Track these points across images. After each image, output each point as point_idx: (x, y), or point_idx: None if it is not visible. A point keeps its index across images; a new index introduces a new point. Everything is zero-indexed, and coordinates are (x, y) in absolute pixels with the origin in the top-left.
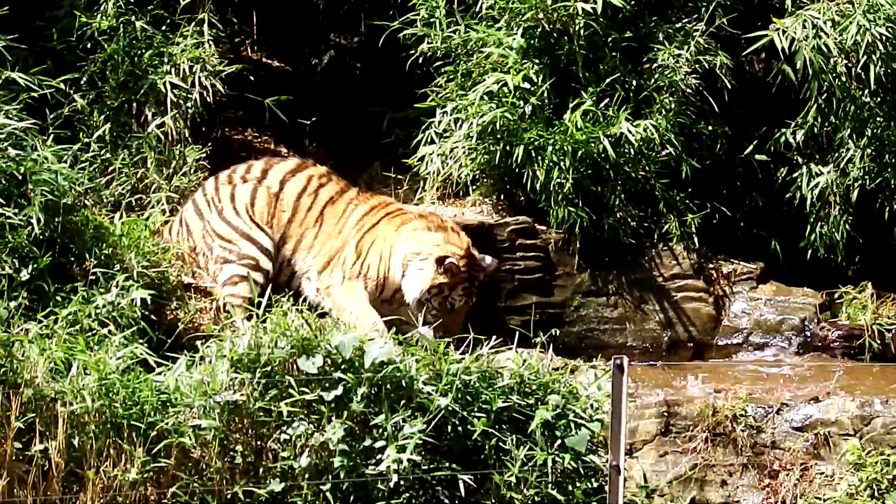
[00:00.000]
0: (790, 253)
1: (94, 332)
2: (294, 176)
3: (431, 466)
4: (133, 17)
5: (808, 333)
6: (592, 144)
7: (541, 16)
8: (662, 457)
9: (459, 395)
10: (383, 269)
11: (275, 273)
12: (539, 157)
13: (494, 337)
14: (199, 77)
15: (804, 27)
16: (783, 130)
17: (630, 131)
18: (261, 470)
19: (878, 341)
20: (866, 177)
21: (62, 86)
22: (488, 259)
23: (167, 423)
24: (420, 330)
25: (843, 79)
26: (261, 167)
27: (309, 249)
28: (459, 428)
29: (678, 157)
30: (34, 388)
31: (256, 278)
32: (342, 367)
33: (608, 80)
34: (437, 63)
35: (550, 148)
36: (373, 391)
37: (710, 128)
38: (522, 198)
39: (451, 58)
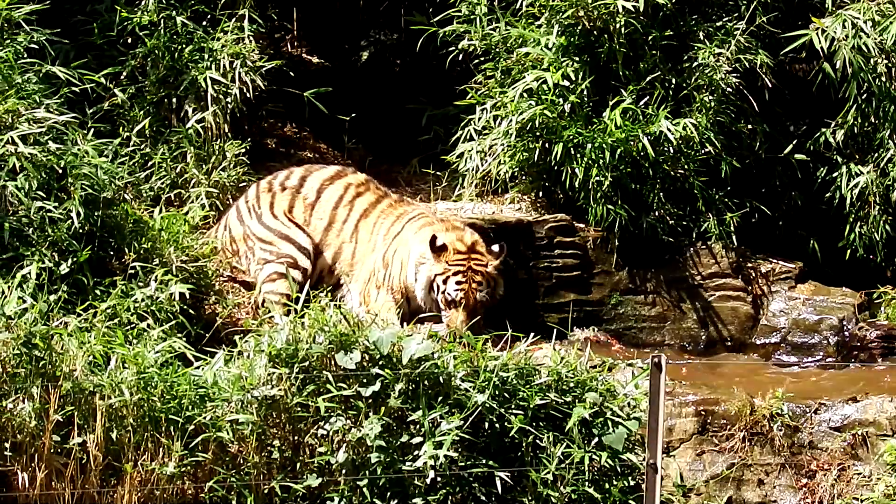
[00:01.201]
0: (829, 252)
1: (133, 325)
2: (332, 184)
3: (468, 463)
4: (174, 13)
5: (847, 333)
6: (632, 143)
7: (581, 13)
8: (699, 455)
9: (497, 392)
10: (403, 277)
11: (315, 274)
12: (578, 155)
13: (532, 334)
14: (239, 72)
15: (844, 27)
16: (823, 130)
17: (669, 130)
18: (298, 465)
19: None
20: None
21: (103, 80)
22: (496, 247)
23: (205, 418)
24: (433, 327)
25: (884, 79)
26: (299, 175)
27: (349, 267)
28: (496, 425)
29: (717, 155)
30: (73, 382)
31: (294, 275)
32: (380, 362)
33: (648, 79)
34: (477, 60)
35: (589, 146)
36: (410, 387)
37: (749, 127)
38: (561, 195)
39: (491, 55)
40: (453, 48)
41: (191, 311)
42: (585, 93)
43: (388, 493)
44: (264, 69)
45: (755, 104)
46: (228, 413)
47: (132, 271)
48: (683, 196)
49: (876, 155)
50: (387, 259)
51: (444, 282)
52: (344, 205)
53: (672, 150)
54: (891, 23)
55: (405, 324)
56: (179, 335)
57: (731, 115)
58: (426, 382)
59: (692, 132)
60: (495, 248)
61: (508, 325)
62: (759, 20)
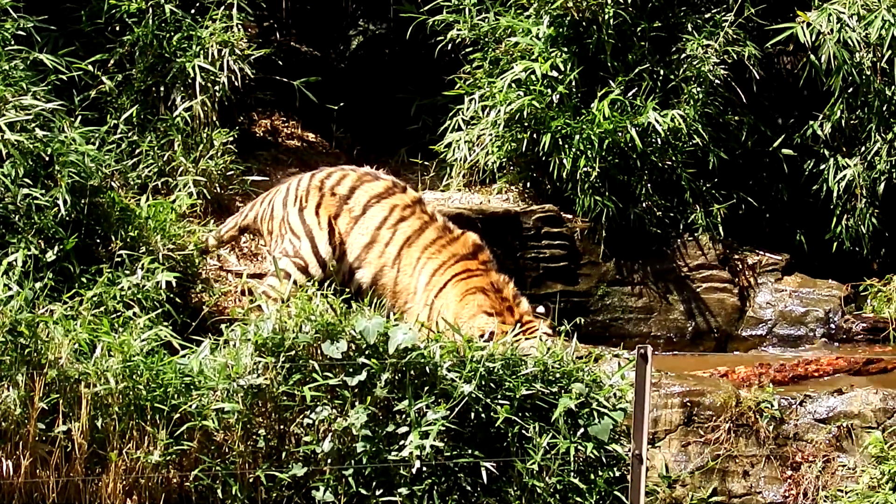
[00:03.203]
0: (815, 245)
1: (119, 313)
2: (378, 202)
3: (454, 453)
4: (162, 0)
5: (833, 325)
6: (620, 134)
7: (570, 4)
8: (685, 447)
9: (483, 383)
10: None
11: (353, 287)
12: (566, 146)
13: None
14: (228, 61)
15: (829, 21)
16: (811, 123)
17: (657, 121)
18: (283, 454)
19: None
20: (893, 170)
21: (90, 68)
22: (541, 308)
23: (190, 406)
24: None
25: (868, 73)
26: (350, 184)
27: (391, 295)
28: (482, 415)
29: (705, 147)
30: (58, 369)
31: (300, 280)
32: (366, 352)
33: (636, 70)
34: (466, 50)
35: (578, 136)
36: (396, 377)
37: (737, 119)
38: (549, 186)
39: (480, 45)
40: (442, 38)
41: (177, 299)
42: (574, 83)
43: (374, 483)
44: (253, 58)
45: (743, 96)
46: (214, 402)
47: (119, 259)
48: (671, 187)
49: (863, 148)
50: (431, 312)
51: None
52: (387, 227)
53: (660, 142)
54: (875, 17)
55: None
56: (165, 323)
57: (718, 107)
58: (412, 372)
59: (680, 124)
60: (541, 309)
61: None
62: (747, 12)
